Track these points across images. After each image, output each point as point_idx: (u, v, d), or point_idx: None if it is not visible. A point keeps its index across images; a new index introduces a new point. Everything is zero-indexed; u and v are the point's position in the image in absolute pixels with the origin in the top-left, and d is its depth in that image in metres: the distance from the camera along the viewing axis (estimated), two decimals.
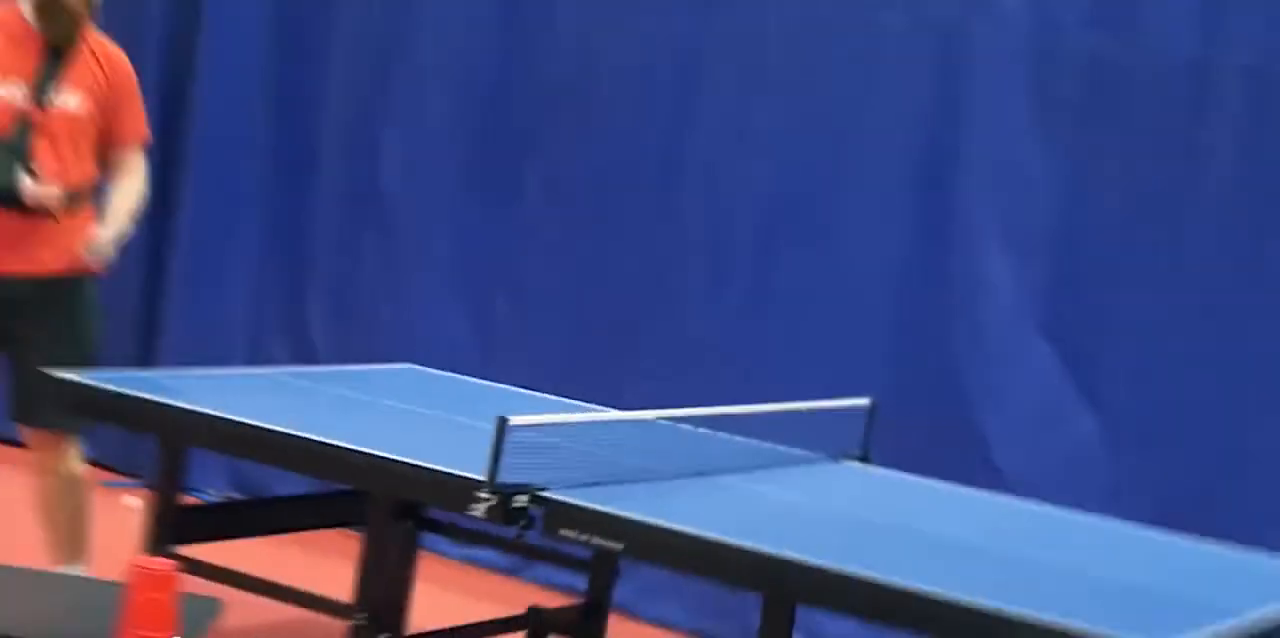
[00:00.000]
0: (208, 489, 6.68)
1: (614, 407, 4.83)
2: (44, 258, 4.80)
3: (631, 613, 5.95)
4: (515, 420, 3.78)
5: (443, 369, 5.94)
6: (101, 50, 4.94)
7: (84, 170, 4.88)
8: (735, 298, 6.11)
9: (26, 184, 4.69)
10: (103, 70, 4.91)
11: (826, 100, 6.00)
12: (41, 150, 4.75)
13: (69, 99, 4.81)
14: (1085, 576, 3.96)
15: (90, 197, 4.92)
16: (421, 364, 5.96)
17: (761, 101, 6.11)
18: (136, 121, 5.05)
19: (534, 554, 5.58)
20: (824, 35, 5.99)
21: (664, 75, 6.28)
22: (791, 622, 3.78)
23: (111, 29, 5.17)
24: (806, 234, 6.03)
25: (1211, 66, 5.45)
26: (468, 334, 6.57)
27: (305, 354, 6.72)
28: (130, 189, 5.01)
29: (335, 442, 4.19)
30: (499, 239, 6.57)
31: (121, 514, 5.73)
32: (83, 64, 4.85)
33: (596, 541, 3.79)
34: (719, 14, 6.17)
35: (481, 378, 5.97)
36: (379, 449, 4.10)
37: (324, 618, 4.84)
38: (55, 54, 4.79)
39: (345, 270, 6.79)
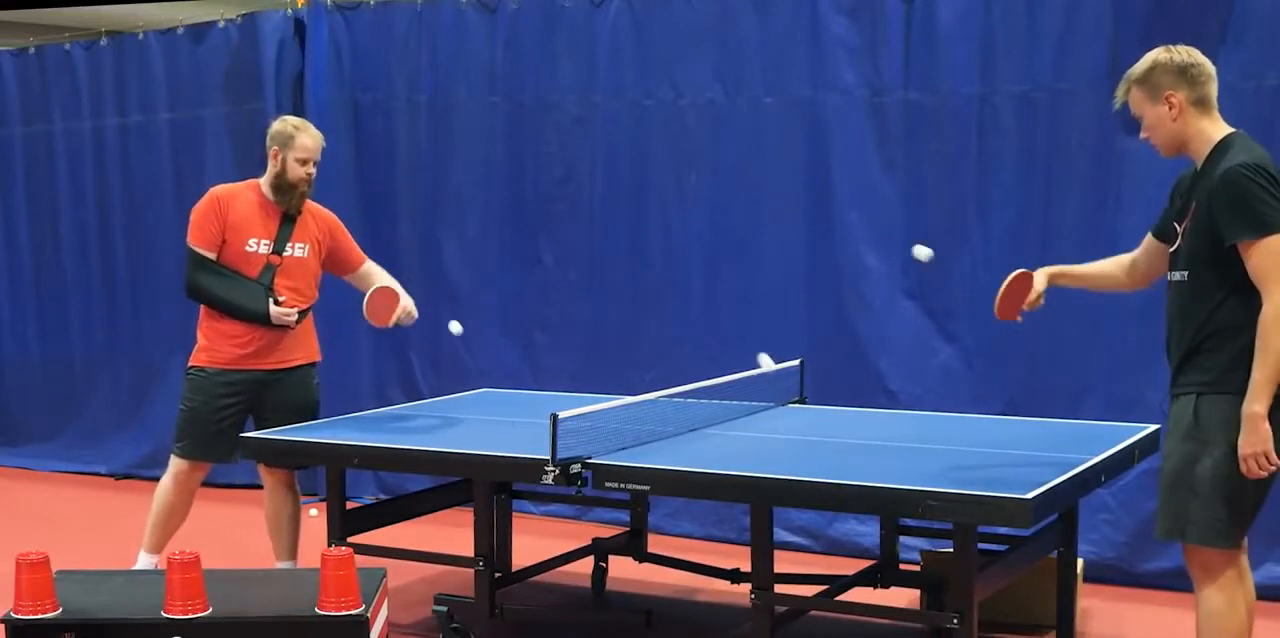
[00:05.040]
0: (363, 496, 6.64)
1: (626, 394, 4.80)
2: (287, 355, 4.88)
3: (662, 532, 5.94)
4: (563, 415, 3.83)
5: (507, 388, 5.98)
6: (316, 212, 4.96)
7: (309, 296, 4.93)
8: (696, 306, 6.08)
9: (273, 308, 4.78)
10: (318, 226, 4.93)
11: (736, 161, 5.96)
12: (281, 285, 4.81)
13: (297, 248, 4.86)
14: (965, 455, 3.99)
15: (310, 311, 4.97)
16: (492, 387, 6.01)
17: (690, 169, 6.08)
18: (356, 249, 5.08)
19: (590, 502, 5.65)
20: (728, 117, 5.96)
21: (623, 164, 6.22)
22: (771, 520, 3.81)
23: None
24: (738, 253, 5.98)
25: (990, 97, 5.46)
26: (519, 361, 6.49)
27: (413, 392, 6.63)
28: (385, 274, 5.10)
29: (445, 449, 4.23)
30: (530, 293, 6.50)
31: (309, 522, 5.72)
32: (304, 224, 4.88)
33: (631, 486, 3.82)
34: (653, 117, 6.11)
35: (533, 390, 6.03)
36: (475, 450, 4.13)
37: (456, 569, 4.98)
38: (288, 219, 4.84)
39: (431, 329, 6.56)
